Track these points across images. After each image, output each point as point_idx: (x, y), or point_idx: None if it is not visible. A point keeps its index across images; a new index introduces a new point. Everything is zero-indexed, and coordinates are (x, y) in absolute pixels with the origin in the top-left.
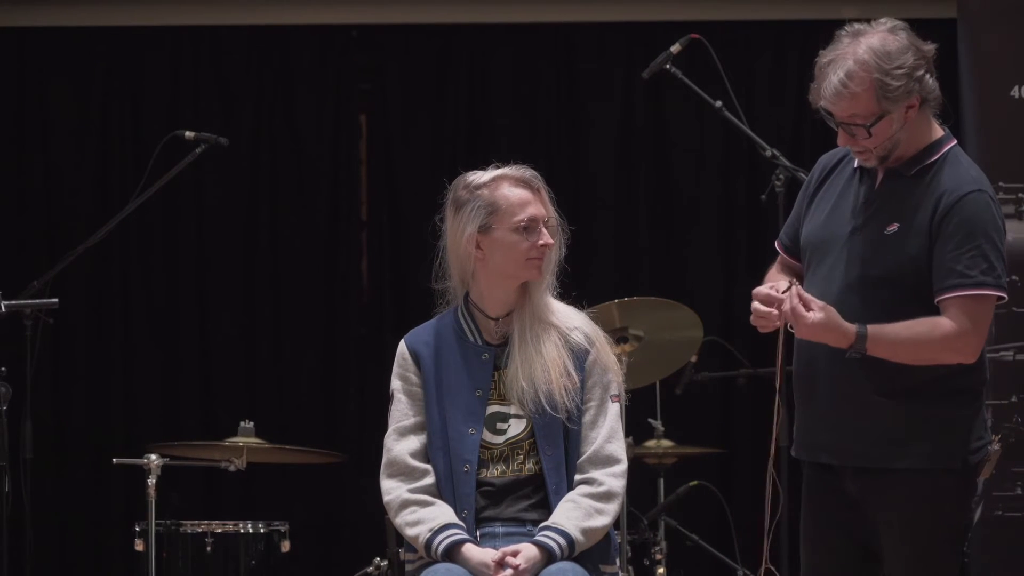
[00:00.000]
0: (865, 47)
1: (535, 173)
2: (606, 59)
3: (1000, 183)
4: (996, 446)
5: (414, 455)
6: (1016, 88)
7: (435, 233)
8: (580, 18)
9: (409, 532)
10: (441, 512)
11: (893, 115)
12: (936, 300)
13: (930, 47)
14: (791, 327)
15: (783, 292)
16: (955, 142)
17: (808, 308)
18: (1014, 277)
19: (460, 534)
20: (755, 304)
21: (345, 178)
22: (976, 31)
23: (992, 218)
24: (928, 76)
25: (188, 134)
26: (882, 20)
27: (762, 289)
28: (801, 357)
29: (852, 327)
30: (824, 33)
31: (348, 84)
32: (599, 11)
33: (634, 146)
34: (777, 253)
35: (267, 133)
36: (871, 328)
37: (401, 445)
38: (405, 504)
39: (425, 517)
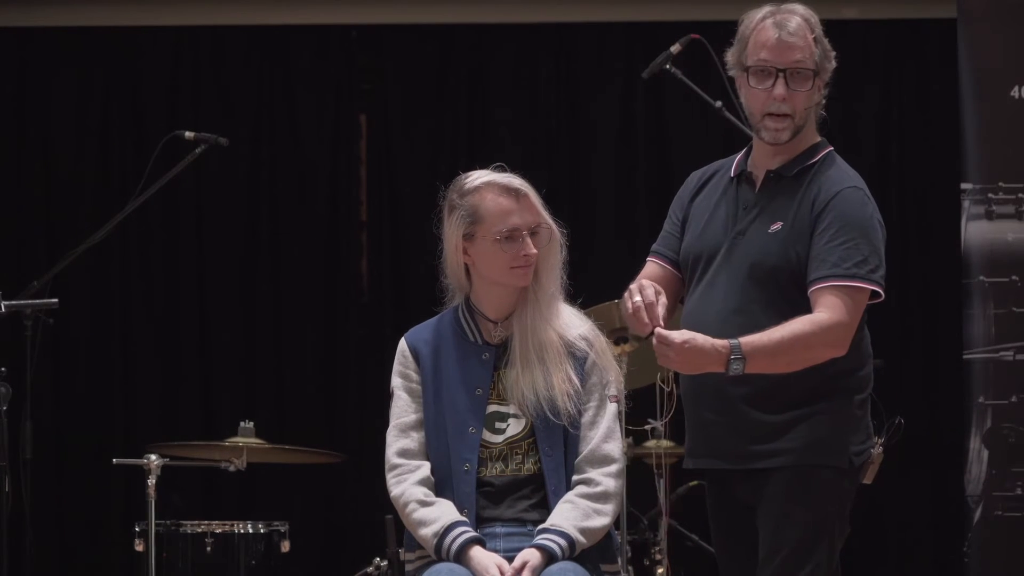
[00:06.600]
0: (803, 9)
1: (523, 181)
2: (606, 59)
3: (1000, 183)
4: (878, 449)
5: (416, 451)
6: (1016, 88)
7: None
8: (580, 18)
9: (419, 531)
10: (443, 511)
11: (819, 82)
12: (809, 291)
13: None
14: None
15: (647, 335)
16: (832, 148)
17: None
18: (1014, 277)
19: (467, 533)
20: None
21: (345, 178)
22: (976, 31)
23: (867, 215)
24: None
25: (188, 134)
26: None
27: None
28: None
29: (723, 342)
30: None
31: (348, 84)
32: (599, 11)
33: (634, 146)
34: (647, 263)
35: (267, 133)
36: (743, 340)
37: (402, 442)
38: (410, 501)
39: (428, 518)
